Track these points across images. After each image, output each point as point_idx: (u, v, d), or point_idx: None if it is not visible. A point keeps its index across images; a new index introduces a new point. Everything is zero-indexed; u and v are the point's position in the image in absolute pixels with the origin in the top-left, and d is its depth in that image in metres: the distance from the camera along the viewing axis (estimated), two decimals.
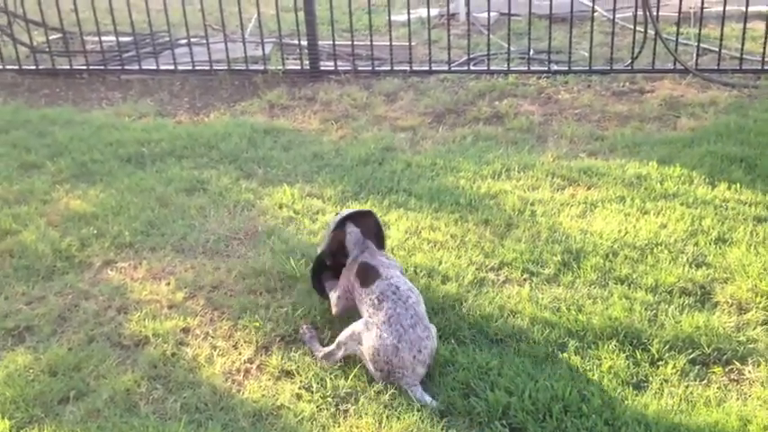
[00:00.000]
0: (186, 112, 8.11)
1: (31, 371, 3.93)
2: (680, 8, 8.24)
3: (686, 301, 4.29)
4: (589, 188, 5.75)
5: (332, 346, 3.96)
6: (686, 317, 4.13)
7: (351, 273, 4.13)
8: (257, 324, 4.27)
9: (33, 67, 9.46)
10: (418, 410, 3.56)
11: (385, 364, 3.70)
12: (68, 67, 9.41)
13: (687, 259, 4.70)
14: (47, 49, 9.61)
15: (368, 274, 4.01)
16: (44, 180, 6.23)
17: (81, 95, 8.81)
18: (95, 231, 5.33)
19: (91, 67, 9.38)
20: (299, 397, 3.73)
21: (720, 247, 4.82)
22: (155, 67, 9.20)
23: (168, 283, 4.74)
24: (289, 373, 3.91)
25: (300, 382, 3.83)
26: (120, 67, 9.38)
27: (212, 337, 4.22)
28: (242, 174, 6.33)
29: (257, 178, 6.22)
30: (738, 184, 5.59)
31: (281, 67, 8.91)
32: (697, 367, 3.80)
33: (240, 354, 4.07)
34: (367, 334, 3.79)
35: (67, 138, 7.12)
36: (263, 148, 6.83)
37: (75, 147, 6.90)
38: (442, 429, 3.47)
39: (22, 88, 9.09)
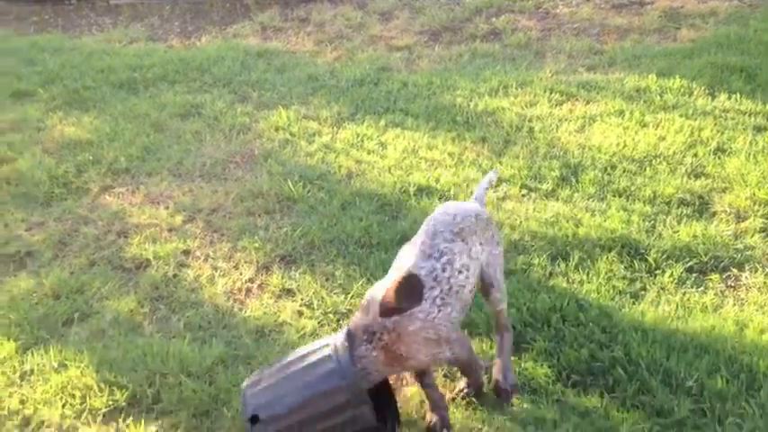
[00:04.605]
0: (177, 37, 7.97)
1: (33, 295, 3.97)
2: None
3: (684, 212, 4.30)
4: (588, 103, 5.69)
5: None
6: (684, 227, 4.14)
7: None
8: (257, 245, 4.29)
9: None
10: None
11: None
12: None
13: (686, 170, 4.68)
14: None
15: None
16: (37, 108, 6.17)
17: (70, 22, 8.65)
18: (91, 158, 5.30)
19: None
20: (300, 314, 3.77)
21: (719, 158, 4.80)
22: None
23: (167, 207, 4.74)
24: (289, 292, 3.94)
25: (301, 299, 3.86)
26: None
27: (213, 258, 4.24)
28: (236, 97, 6.26)
29: (252, 102, 6.15)
30: (738, 95, 5.53)
31: None
32: (694, 275, 3.83)
33: (241, 274, 4.09)
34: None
35: (58, 65, 7.02)
36: (257, 71, 6.73)
37: (67, 74, 6.81)
38: None
39: (11, 17, 8.92)
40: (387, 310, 2.78)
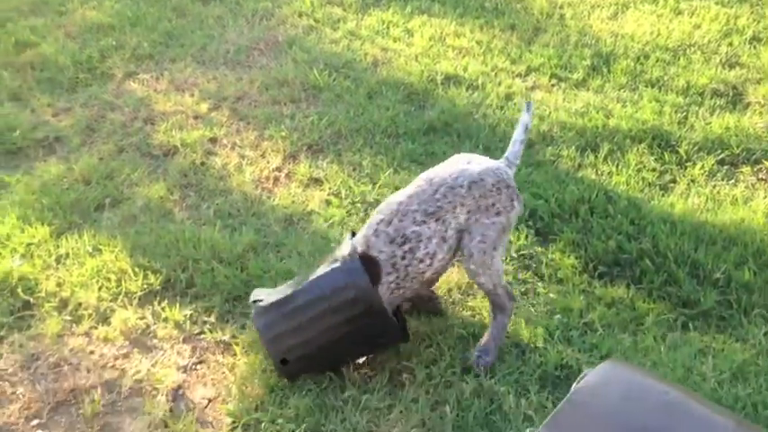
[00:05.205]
0: None
1: (64, 180, 4.00)
2: None
3: (717, 103, 4.23)
4: None
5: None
6: (716, 118, 4.08)
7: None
8: (283, 134, 4.27)
9: None
10: None
11: None
12: None
13: (720, 60, 4.58)
14: None
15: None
16: None
17: None
18: (114, 43, 5.23)
19: None
20: (328, 203, 3.80)
21: (755, 47, 4.68)
22: None
23: (192, 95, 4.71)
24: (317, 181, 3.95)
25: (329, 188, 3.88)
26: None
27: (240, 146, 4.24)
28: None
29: None
30: None
31: None
32: (725, 167, 3.80)
33: (268, 162, 4.10)
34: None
35: None
36: None
37: None
38: None
39: None
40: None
